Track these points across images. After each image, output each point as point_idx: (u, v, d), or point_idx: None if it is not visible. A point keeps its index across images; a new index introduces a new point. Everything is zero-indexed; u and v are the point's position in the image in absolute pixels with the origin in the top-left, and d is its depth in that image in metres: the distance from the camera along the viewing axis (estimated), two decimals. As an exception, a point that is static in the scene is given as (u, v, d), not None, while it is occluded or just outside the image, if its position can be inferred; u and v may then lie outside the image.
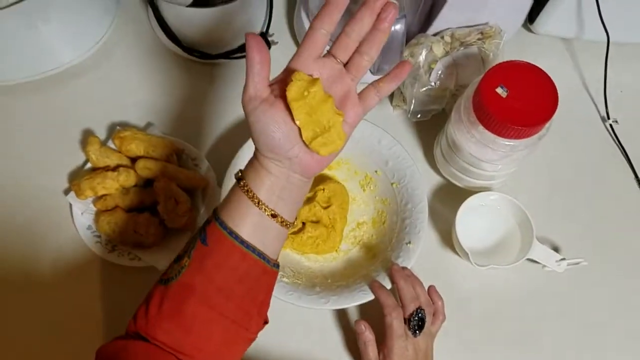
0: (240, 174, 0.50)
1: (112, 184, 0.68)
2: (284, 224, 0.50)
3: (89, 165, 0.72)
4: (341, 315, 0.68)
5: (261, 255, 0.48)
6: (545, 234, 0.72)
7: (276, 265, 0.51)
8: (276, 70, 0.84)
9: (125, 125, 0.76)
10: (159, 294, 0.48)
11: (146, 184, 0.71)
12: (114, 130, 0.74)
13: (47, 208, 0.72)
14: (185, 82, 0.80)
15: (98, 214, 0.69)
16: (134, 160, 0.71)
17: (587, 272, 0.70)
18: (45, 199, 0.72)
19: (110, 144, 0.72)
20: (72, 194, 0.69)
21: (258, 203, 0.48)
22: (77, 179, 0.69)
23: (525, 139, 0.60)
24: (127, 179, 0.69)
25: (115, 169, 0.70)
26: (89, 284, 0.69)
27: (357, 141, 0.72)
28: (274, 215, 0.49)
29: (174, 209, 0.68)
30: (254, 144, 0.48)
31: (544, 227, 0.70)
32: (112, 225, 0.68)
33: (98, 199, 0.70)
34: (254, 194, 0.48)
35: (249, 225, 0.48)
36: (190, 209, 0.69)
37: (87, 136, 0.72)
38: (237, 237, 0.48)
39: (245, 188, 0.48)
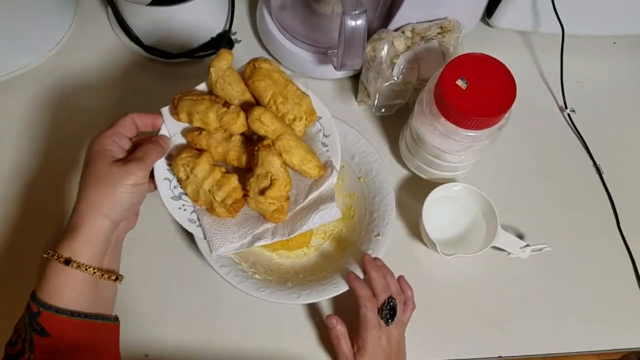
0: (52, 253, 0.49)
1: (213, 120, 0.54)
2: (117, 279, 0.53)
3: (203, 86, 0.58)
4: (314, 311, 0.69)
5: (103, 317, 0.51)
6: (509, 221, 0.74)
7: (116, 318, 0.54)
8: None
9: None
10: None
11: (255, 141, 0.56)
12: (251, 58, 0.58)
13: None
14: (147, 82, 0.79)
15: (181, 149, 0.55)
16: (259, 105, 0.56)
17: (550, 257, 0.72)
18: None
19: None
20: (167, 108, 0.56)
21: (93, 271, 0.50)
22: (182, 94, 0.56)
23: (485, 129, 0.62)
24: (232, 122, 0.54)
25: (226, 104, 0.55)
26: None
27: (323, 137, 0.72)
28: (108, 275, 0.51)
29: (264, 190, 0.53)
30: (111, 212, 0.50)
31: (508, 215, 0.72)
32: (187, 171, 0.54)
33: (193, 130, 0.56)
34: (82, 264, 0.49)
35: (81, 296, 0.49)
36: (287, 198, 0.55)
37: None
38: (77, 314, 0.49)
39: (71, 262, 0.49)
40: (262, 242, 0.55)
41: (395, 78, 0.71)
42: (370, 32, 0.70)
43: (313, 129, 0.57)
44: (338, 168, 0.56)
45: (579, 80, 0.85)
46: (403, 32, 0.72)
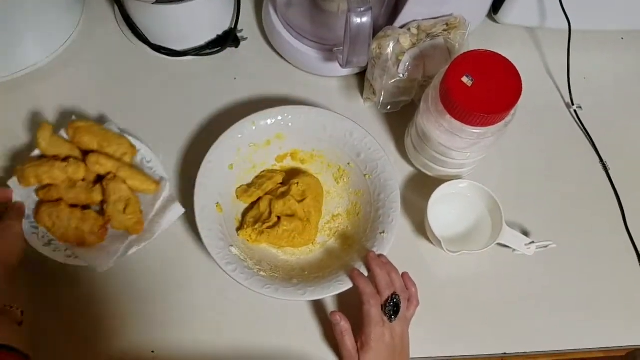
0: None
1: (59, 175, 0.65)
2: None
3: (37, 152, 0.68)
4: (318, 307, 0.69)
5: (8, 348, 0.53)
6: (515, 218, 0.73)
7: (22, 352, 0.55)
8: (246, 67, 0.83)
9: (81, 116, 0.74)
10: None
11: (96, 181, 0.69)
12: (68, 119, 0.70)
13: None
14: (154, 80, 0.79)
15: (39, 205, 0.66)
16: (86, 153, 0.68)
17: (556, 254, 0.72)
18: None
19: (63, 134, 0.69)
20: (13, 179, 0.66)
21: None
22: (22, 164, 0.66)
23: (491, 126, 0.62)
24: (76, 171, 0.66)
25: (65, 159, 0.67)
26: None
27: (329, 135, 0.72)
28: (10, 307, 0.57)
29: (122, 211, 0.67)
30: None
31: (513, 212, 0.72)
32: (53, 218, 0.65)
33: (42, 188, 0.67)
34: None
35: None
36: (141, 211, 0.68)
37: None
38: None
39: None
40: (133, 250, 0.67)
41: (401, 75, 0.71)
42: (376, 30, 0.70)
43: (137, 159, 0.71)
44: (167, 179, 0.71)
45: (586, 77, 0.85)
46: (409, 29, 0.72)
